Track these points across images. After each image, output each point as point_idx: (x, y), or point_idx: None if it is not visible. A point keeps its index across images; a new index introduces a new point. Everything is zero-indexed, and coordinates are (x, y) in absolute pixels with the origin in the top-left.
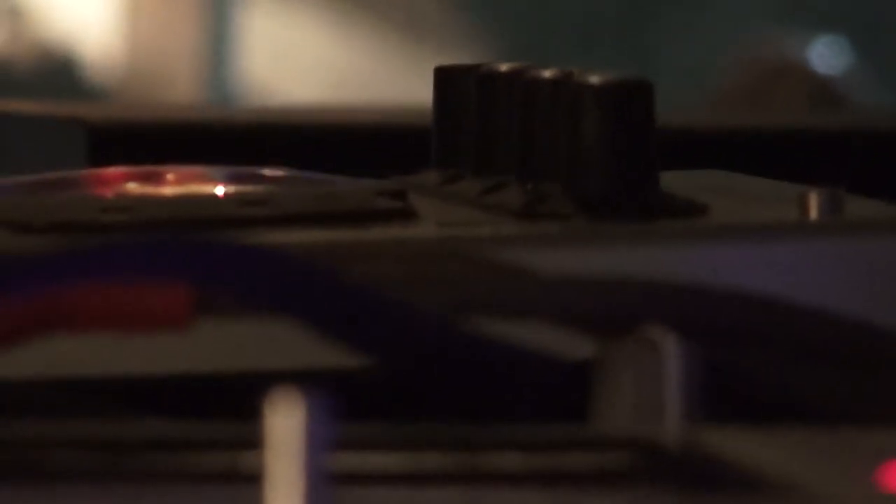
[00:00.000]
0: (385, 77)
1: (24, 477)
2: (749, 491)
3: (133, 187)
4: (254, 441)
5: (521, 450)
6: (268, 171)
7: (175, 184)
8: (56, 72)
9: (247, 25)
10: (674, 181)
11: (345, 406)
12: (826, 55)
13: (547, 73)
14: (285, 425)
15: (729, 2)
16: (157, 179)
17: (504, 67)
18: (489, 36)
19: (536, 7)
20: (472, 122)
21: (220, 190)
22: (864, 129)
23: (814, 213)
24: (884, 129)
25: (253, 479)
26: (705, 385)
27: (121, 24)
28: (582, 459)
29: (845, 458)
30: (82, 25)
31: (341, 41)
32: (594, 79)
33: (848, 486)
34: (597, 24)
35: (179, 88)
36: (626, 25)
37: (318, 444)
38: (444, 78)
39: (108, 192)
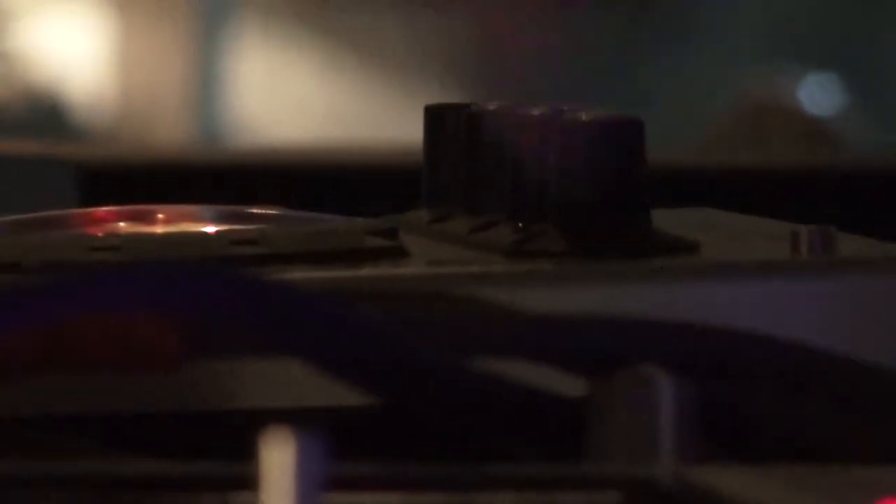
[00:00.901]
0: (373, 115)
1: None
2: None
3: (123, 226)
4: (248, 479)
5: (515, 489)
6: (258, 210)
7: (165, 223)
8: (45, 113)
9: (236, 65)
10: (664, 219)
11: (338, 444)
12: (817, 94)
13: (536, 111)
14: (279, 463)
15: (721, 40)
16: (146, 218)
17: (493, 105)
18: (477, 76)
19: (527, 48)
20: (462, 161)
21: (210, 229)
22: (854, 169)
23: (805, 251)
24: (875, 169)
25: None
26: (698, 422)
27: (110, 65)
28: (576, 498)
29: (838, 495)
30: (71, 67)
31: (330, 80)
32: (584, 116)
33: None
34: (587, 63)
35: (169, 128)
36: (617, 64)
37: (311, 483)
38: (434, 116)
39: (98, 231)
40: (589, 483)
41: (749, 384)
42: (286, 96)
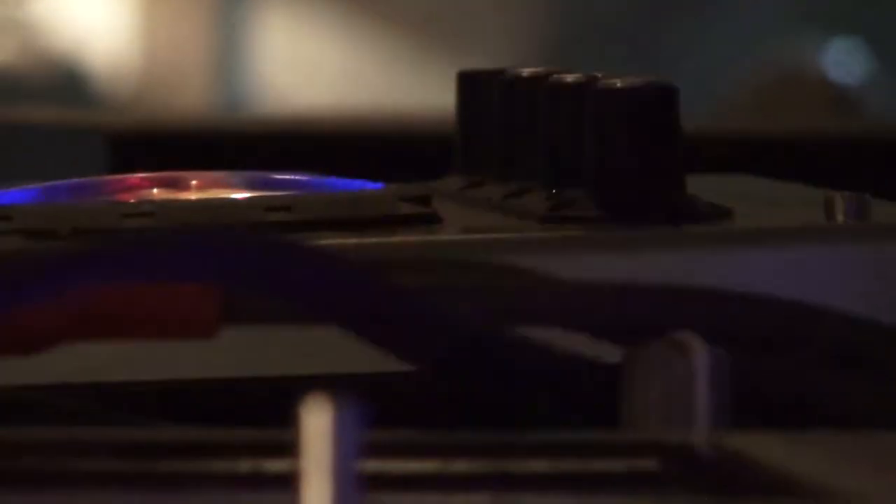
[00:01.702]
0: (399, 82)
1: (55, 483)
2: (779, 495)
3: (156, 193)
4: (286, 446)
5: (551, 455)
6: (290, 176)
7: (197, 189)
8: (69, 83)
9: (260, 32)
10: (699, 185)
11: (376, 411)
12: (842, 60)
13: (571, 78)
14: (318, 430)
15: (744, 7)
16: (179, 185)
17: (527, 72)
18: (502, 42)
19: (549, 14)
20: (496, 127)
21: (243, 195)
22: (880, 136)
23: (840, 218)
24: None
25: (286, 484)
26: (734, 389)
27: (133, 32)
28: (612, 464)
29: (874, 462)
30: (94, 34)
31: (355, 47)
32: (620, 83)
33: (877, 489)
34: (610, 30)
35: (193, 95)
36: (640, 32)
37: (350, 450)
38: (467, 83)
39: (131, 198)
40: (625, 450)
41: (784, 350)
42: (309, 62)
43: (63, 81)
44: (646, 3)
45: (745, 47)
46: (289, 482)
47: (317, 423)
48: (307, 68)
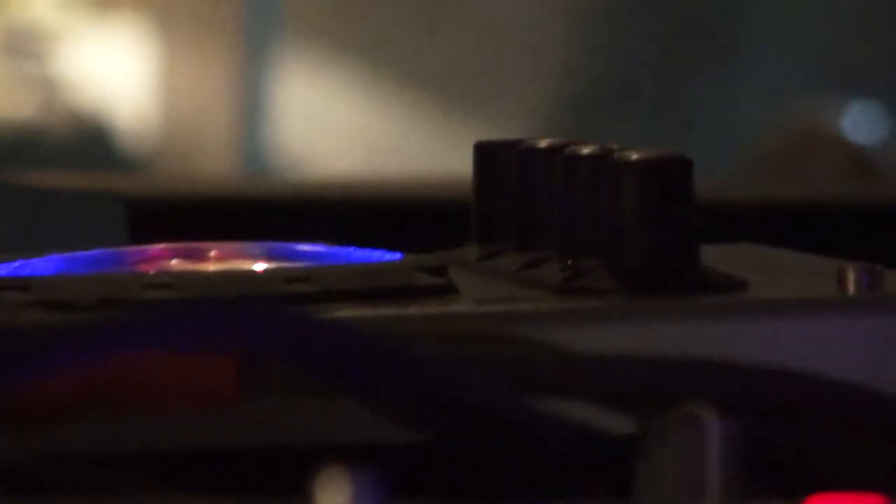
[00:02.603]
0: (419, 148)
1: None
2: None
3: (175, 263)
4: None
5: None
6: (309, 247)
7: (217, 260)
8: (90, 141)
9: (281, 94)
10: (711, 255)
11: (392, 482)
12: (861, 123)
13: (587, 150)
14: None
15: (763, 68)
16: (198, 256)
17: (544, 143)
18: (524, 104)
19: (571, 77)
20: (512, 197)
21: (261, 266)
22: None
23: (852, 288)
24: None
25: None
26: (745, 460)
27: (155, 93)
28: None
29: None
30: (116, 94)
31: (376, 111)
32: (634, 155)
33: None
34: (631, 93)
35: (213, 157)
36: (661, 94)
37: None
38: (484, 153)
39: (151, 269)
40: None
41: (797, 421)
42: (332, 127)
43: (81, 140)
44: (664, 67)
45: (765, 110)
46: None
47: (333, 496)
48: (328, 131)
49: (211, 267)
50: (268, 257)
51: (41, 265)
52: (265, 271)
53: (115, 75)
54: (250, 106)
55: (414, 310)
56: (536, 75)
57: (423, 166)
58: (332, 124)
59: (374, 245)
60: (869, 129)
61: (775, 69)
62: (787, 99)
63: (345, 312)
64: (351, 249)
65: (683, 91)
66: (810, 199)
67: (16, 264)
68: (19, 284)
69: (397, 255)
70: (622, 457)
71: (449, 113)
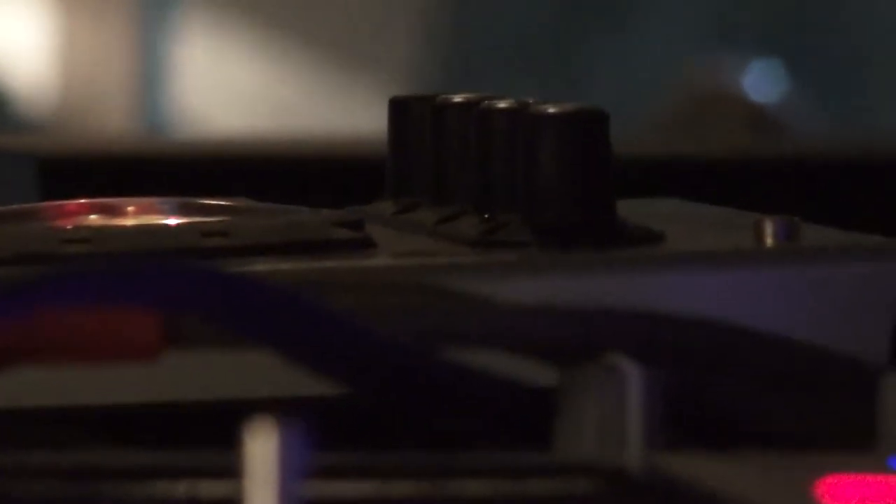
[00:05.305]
0: (319, 107)
1: None
2: None
3: (93, 219)
4: (231, 469)
5: (486, 477)
6: (226, 202)
7: (134, 215)
8: None
9: (180, 55)
10: (629, 208)
11: (318, 434)
12: (761, 81)
13: (503, 104)
14: (262, 453)
15: (662, 27)
16: (115, 211)
17: (459, 98)
18: (420, 64)
19: (465, 34)
20: (428, 152)
21: (178, 221)
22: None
23: (770, 241)
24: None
25: None
26: (667, 410)
27: (55, 55)
28: (546, 486)
29: (804, 481)
30: (13, 58)
31: (275, 70)
32: (551, 108)
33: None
34: (527, 51)
35: (115, 119)
36: (556, 52)
37: (294, 472)
38: (399, 108)
39: (69, 224)
40: (559, 471)
41: (715, 372)
42: (231, 86)
43: None
44: (560, 25)
45: (664, 69)
46: None
47: (261, 446)
48: (227, 90)
49: (128, 222)
50: (184, 212)
51: None
52: (182, 226)
53: (14, 39)
54: (151, 67)
55: (332, 263)
56: (431, 34)
57: (323, 125)
58: (232, 85)
59: (278, 201)
60: (769, 86)
61: (674, 29)
62: (686, 58)
63: (262, 266)
64: (267, 205)
65: (581, 52)
66: (710, 155)
67: None
68: None
69: (313, 211)
70: (542, 408)
71: (349, 73)
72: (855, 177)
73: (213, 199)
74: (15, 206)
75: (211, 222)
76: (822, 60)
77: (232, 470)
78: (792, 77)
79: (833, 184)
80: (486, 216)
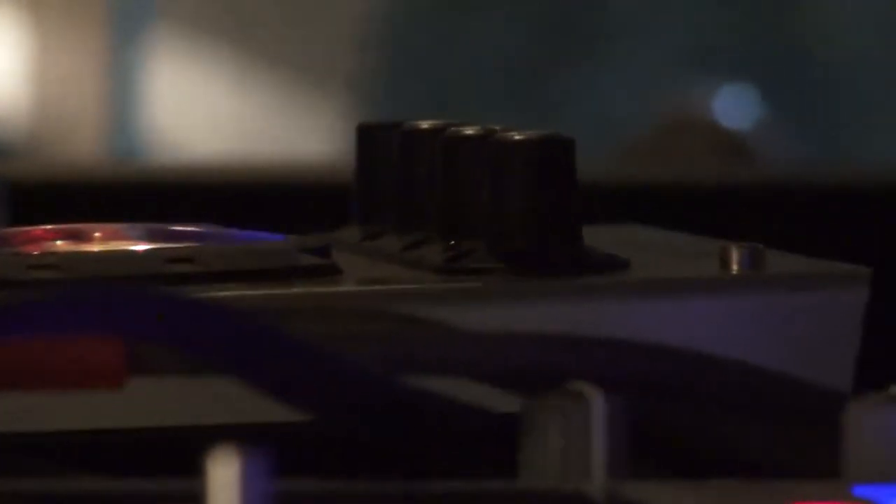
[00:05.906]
0: (290, 131)
1: None
2: None
3: (60, 244)
4: (194, 496)
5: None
6: (191, 228)
7: (101, 241)
8: None
9: (151, 80)
10: (594, 235)
11: (281, 461)
12: (732, 106)
13: (469, 130)
14: (224, 479)
15: (637, 55)
16: (82, 237)
17: (426, 124)
18: (394, 90)
19: (441, 61)
20: (394, 179)
21: (145, 247)
22: (771, 183)
23: (735, 268)
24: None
25: None
26: (630, 439)
27: (26, 78)
28: None
29: None
30: None
31: (246, 95)
32: (517, 136)
33: None
34: (500, 78)
35: (86, 143)
36: (533, 79)
37: (256, 499)
38: (366, 135)
39: (35, 249)
40: (522, 498)
41: (679, 400)
42: (202, 110)
43: None
44: (534, 52)
45: (638, 96)
46: None
47: (223, 473)
48: (198, 114)
49: (95, 248)
50: (150, 238)
51: None
52: (148, 252)
53: None
54: (122, 91)
55: (297, 290)
56: (405, 62)
57: (295, 149)
58: (203, 109)
59: (250, 228)
60: (740, 112)
61: (645, 55)
62: (659, 84)
63: (227, 293)
64: (233, 231)
65: (549, 82)
66: (680, 182)
67: None
68: None
69: (279, 237)
70: (506, 436)
71: (321, 98)
72: (825, 203)
73: (181, 225)
74: None
75: (177, 248)
76: (794, 87)
77: (195, 497)
78: (764, 103)
79: (802, 210)
80: (452, 243)
